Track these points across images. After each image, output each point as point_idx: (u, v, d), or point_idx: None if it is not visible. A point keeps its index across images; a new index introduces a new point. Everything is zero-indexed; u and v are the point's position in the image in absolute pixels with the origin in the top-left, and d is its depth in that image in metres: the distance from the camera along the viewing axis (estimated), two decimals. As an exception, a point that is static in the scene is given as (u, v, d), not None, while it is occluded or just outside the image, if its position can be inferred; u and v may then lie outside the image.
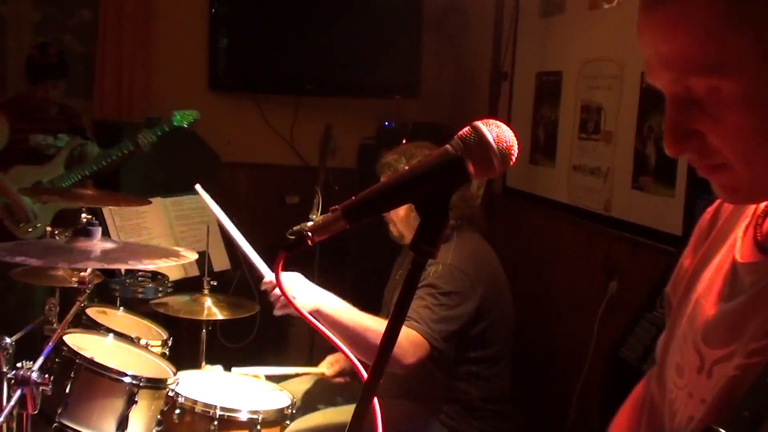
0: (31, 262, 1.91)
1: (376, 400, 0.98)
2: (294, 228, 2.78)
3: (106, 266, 1.98)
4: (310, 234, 1.01)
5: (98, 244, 2.12)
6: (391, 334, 0.98)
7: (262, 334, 4.51)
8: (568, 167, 3.82)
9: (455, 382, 2.72)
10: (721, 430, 0.82)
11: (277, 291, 2.44)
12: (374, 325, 2.47)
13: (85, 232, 2.09)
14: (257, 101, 5.15)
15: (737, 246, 1.06)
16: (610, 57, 3.49)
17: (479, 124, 1.00)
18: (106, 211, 3.23)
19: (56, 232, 3.00)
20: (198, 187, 2.65)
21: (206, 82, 5.11)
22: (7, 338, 2.45)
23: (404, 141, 4.48)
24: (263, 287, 2.52)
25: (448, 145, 0.99)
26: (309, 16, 5.06)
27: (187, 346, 3.48)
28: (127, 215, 3.28)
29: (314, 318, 2.41)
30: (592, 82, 3.65)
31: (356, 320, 2.47)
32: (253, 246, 3.70)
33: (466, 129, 1.00)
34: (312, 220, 2.83)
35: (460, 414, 2.72)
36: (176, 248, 2.26)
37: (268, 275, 2.53)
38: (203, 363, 3.07)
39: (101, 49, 4.93)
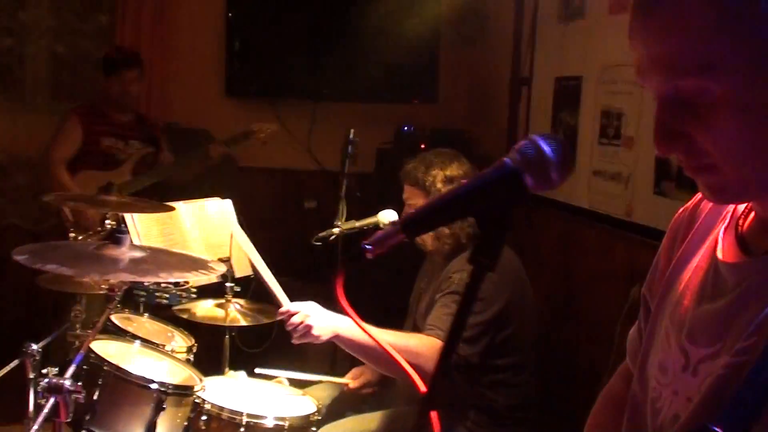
0: (62, 271, 1.91)
1: (434, 414, 0.98)
2: (320, 234, 2.79)
3: (138, 279, 1.98)
4: (369, 247, 1.01)
5: (127, 251, 2.12)
6: (449, 346, 0.97)
7: (281, 339, 4.50)
8: (588, 172, 3.80)
9: (481, 390, 2.71)
10: (716, 428, 0.82)
11: (294, 320, 2.51)
12: (396, 341, 2.49)
13: (114, 239, 2.08)
14: (274, 106, 5.16)
15: (719, 246, 1.08)
16: (630, 62, 3.46)
17: (537, 137, 1.00)
18: (128, 216, 3.23)
19: (80, 237, 3.01)
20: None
21: (223, 88, 5.12)
22: (33, 345, 2.46)
23: (422, 146, 4.49)
24: (279, 317, 2.57)
25: (506, 158, 0.99)
26: (326, 21, 5.06)
27: (207, 352, 3.48)
28: (148, 221, 3.26)
29: (336, 342, 2.46)
30: (612, 87, 3.64)
31: (379, 338, 2.46)
32: (272, 250, 3.70)
33: (524, 142, 1.00)
34: (338, 227, 2.83)
35: (487, 421, 2.71)
36: (205, 258, 2.26)
37: (286, 304, 2.57)
38: (226, 369, 3.07)
39: (118, 55, 4.95)
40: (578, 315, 3.83)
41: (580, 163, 3.92)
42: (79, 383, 1.92)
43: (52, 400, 1.88)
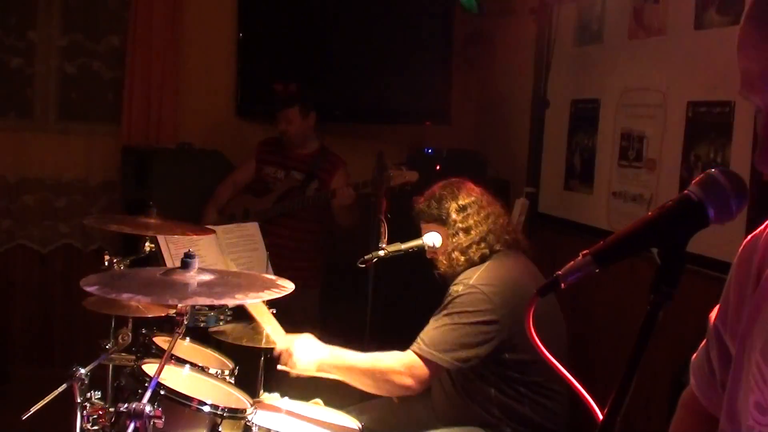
0: (139, 299, 1.90)
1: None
2: (365, 256, 2.80)
3: (215, 302, 1.97)
4: (562, 277, 1.04)
5: (195, 276, 2.12)
6: (626, 382, 1.00)
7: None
8: (607, 194, 3.86)
9: (520, 408, 2.74)
10: None
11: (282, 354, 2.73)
12: (370, 360, 2.69)
13: (184, 264, 2.08)
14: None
15: None
16: (652, 86, 3.54)
17: (716, 172, 1.03)
18: (161, 238, 3.23)
19: (116, 260, 2.99)
20: None
21: (234, 108, 5.12)
22: (81, 369, 2.45)
23: (438, 167, 4.52)
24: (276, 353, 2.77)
25: (688, 191, 1.02)
26: (337, 41, 5.09)
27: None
28: (180, 243, 3.27)
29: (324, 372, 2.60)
30: (632, 110, 3.71)
31: (355, 363, 2.69)
32: (281, 267, 3.70)
33: (704, 176, 1.03)
34: (383, 249, 2.85)
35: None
36: (272, 277, 2.26)
37: (280, 343, 2.78)
38: (261, 391, 3.06)
39: (129, 75, 4.94)
40: (600, 337, 3.87)
41: (597, 184, 3.98)
42: (160, 408, 1.91)
43: (132, 426, 1.87)
